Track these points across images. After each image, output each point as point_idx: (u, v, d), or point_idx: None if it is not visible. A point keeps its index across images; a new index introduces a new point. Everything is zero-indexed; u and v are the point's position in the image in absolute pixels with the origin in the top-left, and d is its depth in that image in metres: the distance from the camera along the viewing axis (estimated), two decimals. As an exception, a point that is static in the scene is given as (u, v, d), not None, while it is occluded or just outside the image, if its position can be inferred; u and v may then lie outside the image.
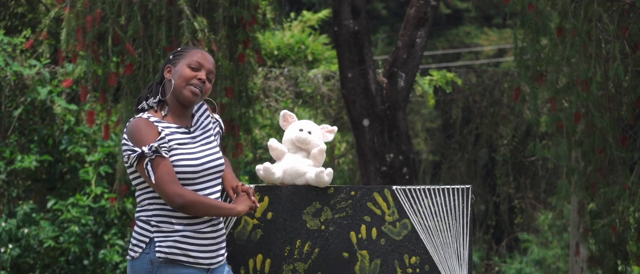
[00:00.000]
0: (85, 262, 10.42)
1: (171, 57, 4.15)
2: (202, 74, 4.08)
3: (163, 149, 3.94)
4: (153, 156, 3.92)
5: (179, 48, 4.19)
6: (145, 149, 3.93)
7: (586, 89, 7.67)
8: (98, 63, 8.02)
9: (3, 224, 10.21)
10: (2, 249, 10.18)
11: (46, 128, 10.71)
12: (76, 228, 10.22)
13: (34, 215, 10.37)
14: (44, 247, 10.27)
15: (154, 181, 3.93)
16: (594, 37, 7.68)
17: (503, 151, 13.97)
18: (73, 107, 10.65)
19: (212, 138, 4.15)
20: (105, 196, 10.46)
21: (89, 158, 10.67)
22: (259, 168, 4.30)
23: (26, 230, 10.24)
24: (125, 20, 7.87)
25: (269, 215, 4.30)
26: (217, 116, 4.29)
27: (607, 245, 8.63)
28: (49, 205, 10.44)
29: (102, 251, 10.30)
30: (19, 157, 10.48)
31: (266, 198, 4.30)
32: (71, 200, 10.39)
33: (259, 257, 4.29)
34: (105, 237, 10.39)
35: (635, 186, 7.92)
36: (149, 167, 3.93)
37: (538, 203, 15.17)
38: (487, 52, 22.62)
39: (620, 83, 8.09)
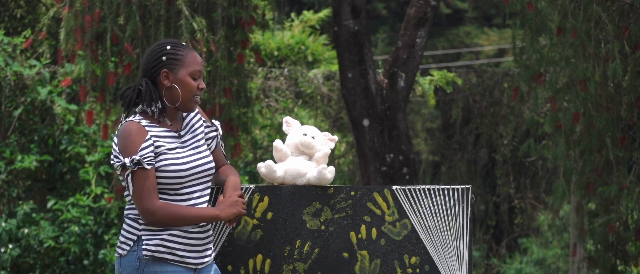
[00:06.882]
0: (85, 262, 10.42)
1: (164, 58, 4.04)
2: (202, 83, 4.09)
3: (146, 160, 3.95)
4: (134, 168, 3.94)
5: (169, 48, 4.07)
6: (127, 161, 3.94)
7: (585, 89, 7.66)
8: (97, 63, 8.02)
9: (3, 224, 10.20)
10: (2, 250, 10.17)
11: (46, 128, 10.70)
12: (76, 228, 10.21)
13: (34, 215, 10.37)
14: (44, 247, 10.26)
15: (131, 194, 3.98)
16: (593, 37, 7.68)
17: (503, 151, 13.96)
18: (73, 107, 10.65)
19: (202, 141, 4.14)
20: (105, 196, 10.45)
21: (89, 158, 10.66)
22: (261, 165, 4.30)
23: (26, 230, 10.24)
24: (123, 20, 7.87)
25: (269, 215, 4.29)
26: (216, 123, 4.27)
27: (605, 245, 8.62)
28: (49, 205, 10.43)
29: (102, 251, 10.30)
30: (19, 157, 10.47)
31: (266, 198, 4.29)
32: (71, 200, 10.39)
33: (259, 257, 4.29)
34: (105, 237, 10.38)
35: (634, 185, 7.92)
36: (129, 179, 3.96)
37: (538, 203, 15.15)
38: (487, 52, 22.62)
39: (619, 83, 8.09)
